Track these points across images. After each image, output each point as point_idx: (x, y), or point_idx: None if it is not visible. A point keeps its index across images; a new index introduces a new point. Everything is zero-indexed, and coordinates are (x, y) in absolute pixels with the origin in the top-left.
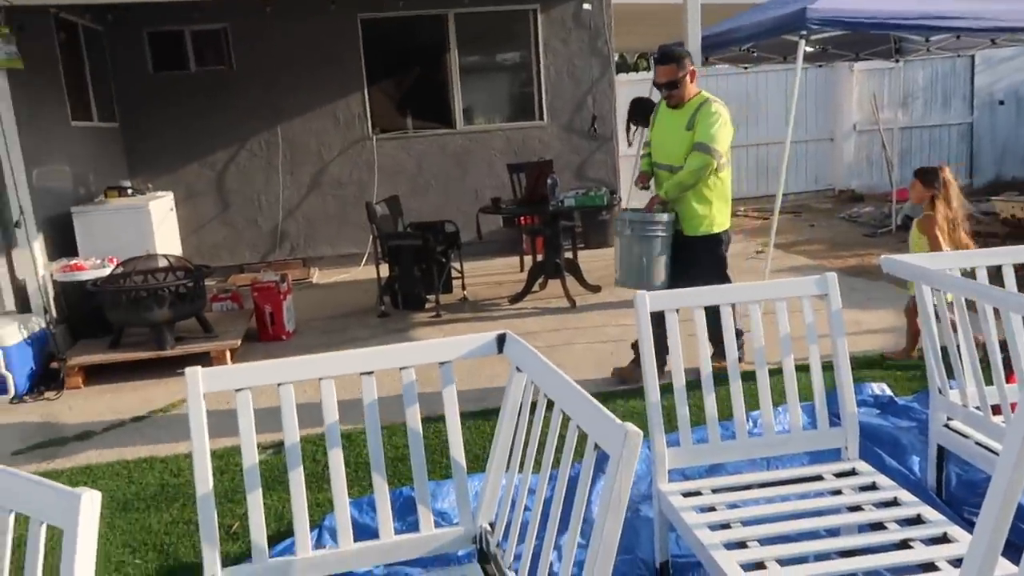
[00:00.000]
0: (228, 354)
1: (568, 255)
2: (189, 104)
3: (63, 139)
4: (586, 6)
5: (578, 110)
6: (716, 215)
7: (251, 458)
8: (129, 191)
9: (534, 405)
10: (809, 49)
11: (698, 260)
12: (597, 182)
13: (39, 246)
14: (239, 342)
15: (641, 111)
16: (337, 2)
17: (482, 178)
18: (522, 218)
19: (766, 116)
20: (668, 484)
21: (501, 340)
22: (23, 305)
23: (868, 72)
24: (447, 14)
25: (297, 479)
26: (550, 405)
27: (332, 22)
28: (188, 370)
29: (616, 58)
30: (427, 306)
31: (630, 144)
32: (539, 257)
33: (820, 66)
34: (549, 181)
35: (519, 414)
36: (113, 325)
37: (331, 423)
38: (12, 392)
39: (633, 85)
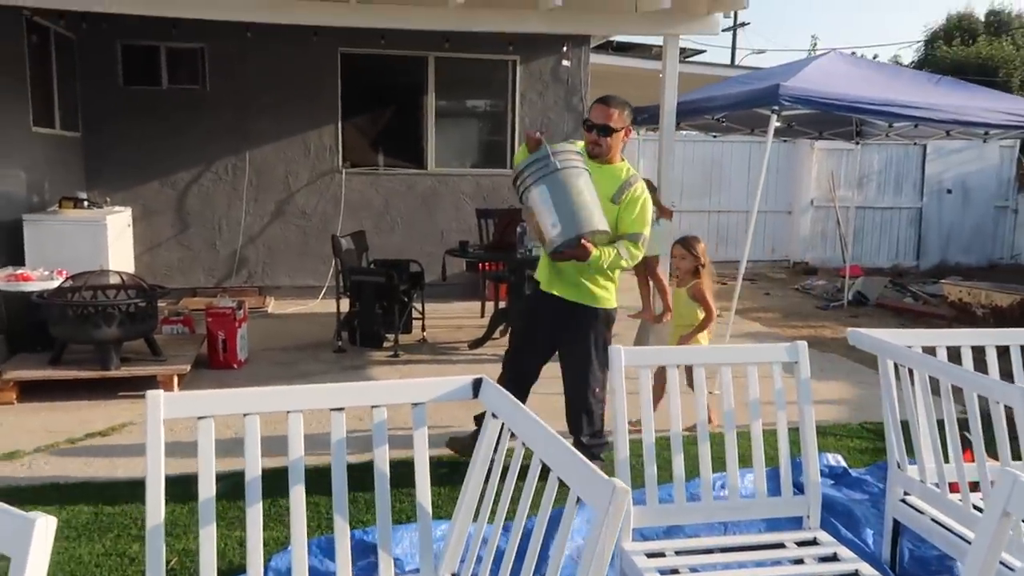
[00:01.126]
0: (176, 379)
1: None
2: (157, 121)
3: (21, 143)
4: (565, 63)
5: None
6: (612, 290)
7: (208, 490)
8: (85, 203)
9: (509, 452)
10: (777, 124)
11: (584, 335)
12: None
13: None
14: (188, 367)
15: None
16: (319, 33)
17: (449, 220)
18: (485, 264)
19: (729, 184)
20: (632, 543)
21: (477, 385)
22: None
23: (827, 151)
24: (428, 56)
25: (255, 516)
26: (528, 455)
27: (312, 52)
28: (150, 394)
29: None
30: (385, 345)
31: None
32: (501, 304)
33: (785, 141)
34: (519, 229)
35: (491, 461)
36: (55, 340)
37: (296, 459)
38: None
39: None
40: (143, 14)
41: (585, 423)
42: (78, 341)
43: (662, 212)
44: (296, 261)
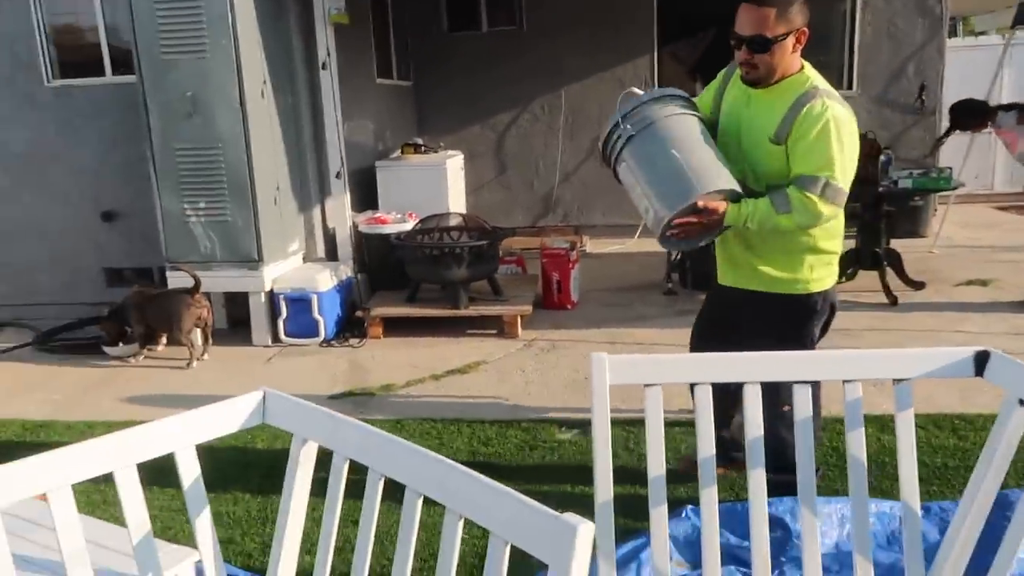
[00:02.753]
0: (519, 319)
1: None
2: (478, 65)
3: (369, 96)
4: None
5: (895, 79)
6: (815, 268)
7: (657, 461)
8: (423, 149)
9: None
10: None
11: (764, 329)
12: (909, 163)
13: (348, 198)
14: (530, 308)
15: (966, 114)
16: None
17: None
18: None
19: None
20: None
21: (982, 360)
22: (331, 253)
23: None
24: None
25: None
26: None
27: None
28: (594, 356)
29: (949, 19)
30: None
31: (931, 155)
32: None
33: None
34: (882, 158)
35: None
36: (410, 279)
37: (753, 437)
38: (322, 336)
39: (961, 53)
40: None
41: (770, 454)
42: (431, 280)
43: None
44: (610, 199)
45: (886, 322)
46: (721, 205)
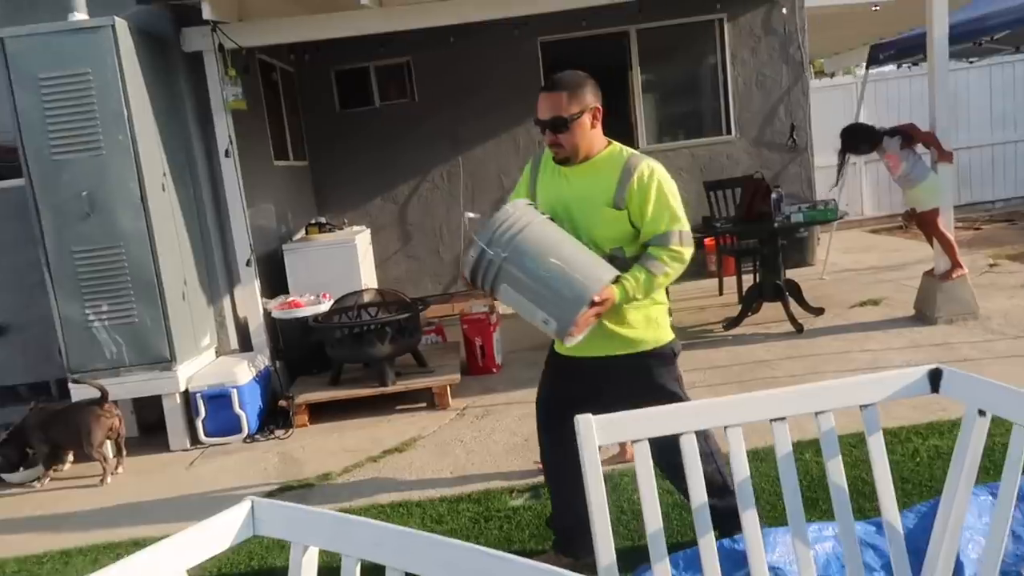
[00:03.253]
0: (448, 389)
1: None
2: (373, 139)
3: (269, 179)
4: (783, 9)
5: (768, 123)
6: (661, 319)
7: (653, 516)
8: (328, 227)
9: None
10: None
11: (633, 389)
12: (791, 197)
13: (258, 285)
14: (459, 376)
15: (857, 139)
16: (520, 27)
17: None
18: (723, 238)
19: (967, 119)
20: None
21: (935, 377)
22: (244, 344)
23: None
24: (629, 31)
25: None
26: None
27: (512, 47)
28: (580, 418)
29: (809, 64)
30: None
31: (837, 184)
32: (743, 280)
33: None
34: (774, 195)
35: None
36: (332, 361)
37: (743, 479)
38: (246, 431)
39: (822, 92)
40: (358, 35)
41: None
42: (355, 360)
43: (941, 156)
44: None
45: (798, 349)
46: (612, 291)
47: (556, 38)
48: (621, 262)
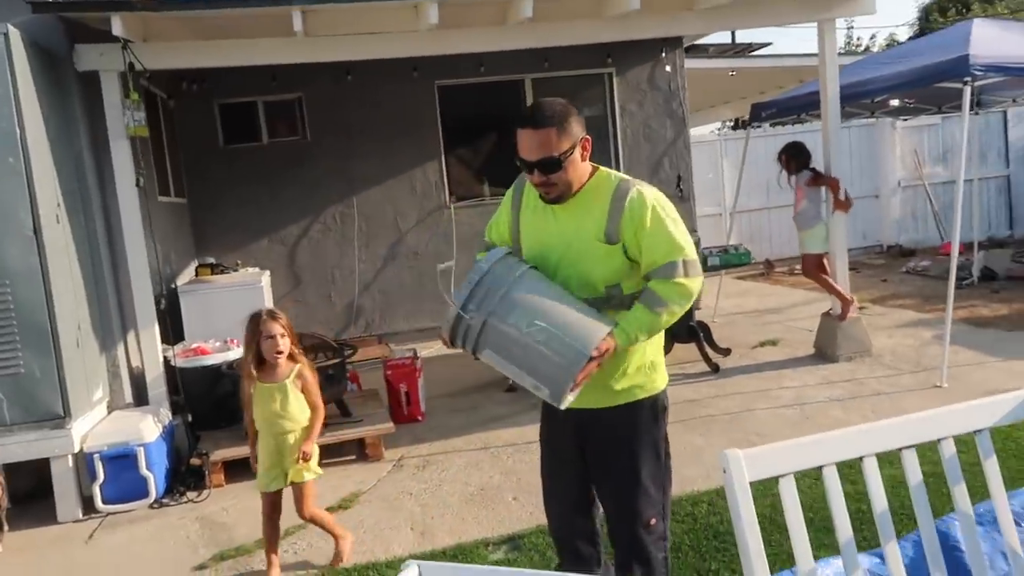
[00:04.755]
0: (381, 441)
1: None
2: (259, 177)
3: (156, 215)
4: (668, 68)
5: (656, 172)
6: (658, 365)
7: (806, 562)
8: (221, 268)
9: None
10: (895, 103)
11: (620, 443)
12: None
13: (157, 330)
14: (392, 425)
15: (803, 153)
16: (418, 68)
17: None
18: None
19: None
20: None
21: None
22: (139, 396)
23: (910, 129)
24: (524, 79)
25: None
26: None
27: (409, 89)
28: (729, 453)
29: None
30: None
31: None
32: None
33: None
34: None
35: None
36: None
37: (881, 511)
38: (152, 495)
39: (703, 147)
40: (247, 64)
41: (639, 573)
42: None
43: (837, 204)
44: (412, 304)
45: (722, 388)
46: (611, 342)
47: (453, 82)
48: (618, 301)
